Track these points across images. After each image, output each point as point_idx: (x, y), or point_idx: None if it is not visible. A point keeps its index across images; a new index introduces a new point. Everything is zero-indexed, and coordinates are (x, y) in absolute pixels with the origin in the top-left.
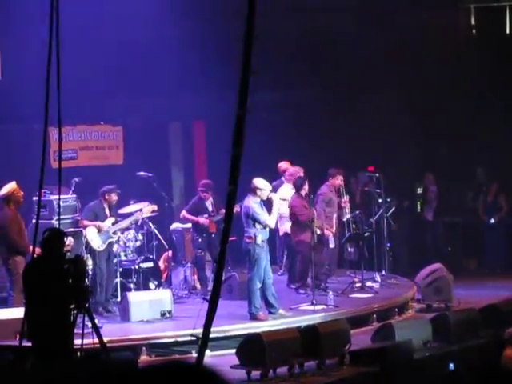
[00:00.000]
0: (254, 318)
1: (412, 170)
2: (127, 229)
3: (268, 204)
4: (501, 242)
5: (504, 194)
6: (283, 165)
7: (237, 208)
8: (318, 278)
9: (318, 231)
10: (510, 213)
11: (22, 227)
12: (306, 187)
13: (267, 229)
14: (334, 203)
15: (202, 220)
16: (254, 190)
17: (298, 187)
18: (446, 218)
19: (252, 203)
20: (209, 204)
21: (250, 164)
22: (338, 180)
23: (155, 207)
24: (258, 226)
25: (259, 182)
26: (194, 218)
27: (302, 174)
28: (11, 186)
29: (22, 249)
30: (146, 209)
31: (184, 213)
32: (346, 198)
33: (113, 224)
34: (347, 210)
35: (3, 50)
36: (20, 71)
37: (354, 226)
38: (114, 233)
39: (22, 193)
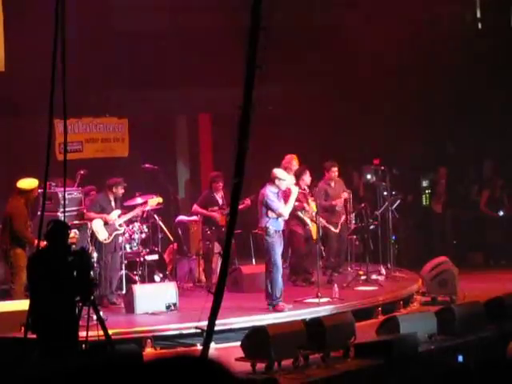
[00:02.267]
0: (274, 308)
1: (418, 162)
2: (132, 221)
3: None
4: (506, 235)
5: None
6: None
7: (247, 201)
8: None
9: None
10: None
11: (28, 220)
12: (306, 179)
13: (279, 220)
14: (331, 196)
15: (214, 214)
16: (272, 180)
17: (296, 178)
18: (452, 212)
19: (268, 191)
20: (219, 197)
21: (255, 157)
22: (333, 172)
23: (160, 200)
24: (270, 214)
25: (279, 172)
26: (205, 211)
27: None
28: (33, 185)
29: (25, 240)
30: (152, 201)
31: (196, 207)
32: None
33: (119, 216)
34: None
35: (8, 42)
36: (25, 63)
37: (358, 219)
38: (120, 225)
39: (37, 193)
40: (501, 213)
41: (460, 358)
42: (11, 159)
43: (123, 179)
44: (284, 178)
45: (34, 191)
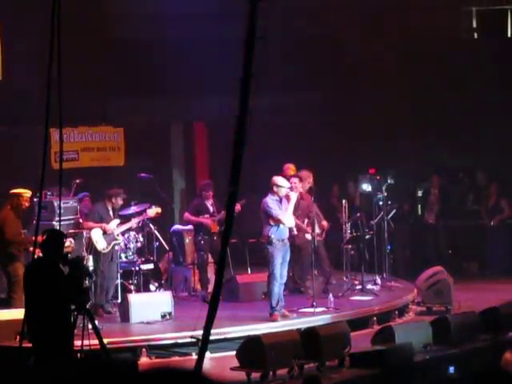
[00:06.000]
0: (270, 317)
1: (413, 173)
2: (128, 230)
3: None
4: (502, 245)
5: (505, 197)
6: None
7: (237, 206)
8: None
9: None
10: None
11: (20, 228)
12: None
13: (283, 228)
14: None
15: (205, 220)
16: (272, 188)
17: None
18: (447, 221)
19: (269, 199)
20: (209, 204)
21: (251, 166)
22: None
23: (159, 210)
24: (272, 222)
25: (277, 180)
26: (196, 218)
27: (311, 180)
28: (22, 191)
29: (19, 245)
30: (151, 211)
31: (187, 214)
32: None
33: (117, 226)
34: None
35: (5, 51)
36: (21, 71)
37: (353, 228)
38: (118, 235)
39: (28, 204)
40: (492, 223)
41: (451, 370)
42: (7, 168)
43: (123, 190)
44: (282, 184)
45: (22, 199)
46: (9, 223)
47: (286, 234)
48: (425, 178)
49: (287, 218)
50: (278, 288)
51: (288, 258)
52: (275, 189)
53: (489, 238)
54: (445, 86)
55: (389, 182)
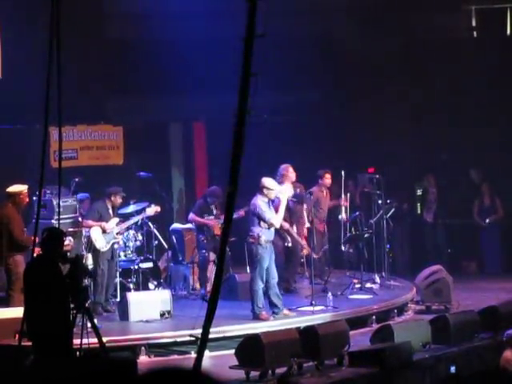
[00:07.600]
0: (256, 317)
1: (412, 171)
2: (127, 229)
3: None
4: (499, 243)
5: (498, 196)
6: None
7: (241, 212)
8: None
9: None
10: (506, 215)
11: (22, 225)
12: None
13: (272, 229)
14: (322, 203)
15: (210, 222)
16: (261, 189)
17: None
18: (445, 220)
19: (259, 201)
20: (213, 206)
21: (251, 165)
22: (328, 179)
23: (158, 208)
24: (262, 224)
25: (267, 181)
26: (202, 220)
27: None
28: (21, 188)
29: (22, 246)
30: (150, 209)
31: (192, 215)
32: (343, 197)
33: (117, 224)
34: (343, 210)
35: (4, 49)
36: (21, 70)
37: (353, 227)
38: (117, 233)
39: (28, 200)
40: (487, 220)
41: (452, 369)
42: (6, 167)
43: (122, 189)
44: (272, 187)
45: (23, 195)
46: (14, 220)
47: (273, 236)
48: (421, 177)
49: (278, 220)
50: (263, 289)
51: (273, 258)
52: (265, 191)
53: (486, 237)
54: (444, 84)
55: (388, 180)
